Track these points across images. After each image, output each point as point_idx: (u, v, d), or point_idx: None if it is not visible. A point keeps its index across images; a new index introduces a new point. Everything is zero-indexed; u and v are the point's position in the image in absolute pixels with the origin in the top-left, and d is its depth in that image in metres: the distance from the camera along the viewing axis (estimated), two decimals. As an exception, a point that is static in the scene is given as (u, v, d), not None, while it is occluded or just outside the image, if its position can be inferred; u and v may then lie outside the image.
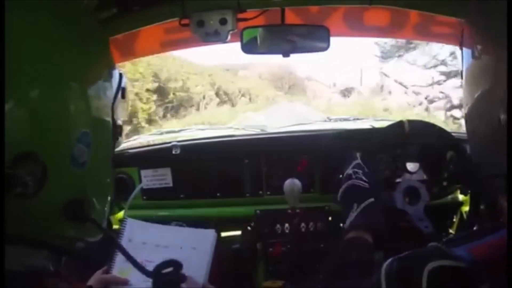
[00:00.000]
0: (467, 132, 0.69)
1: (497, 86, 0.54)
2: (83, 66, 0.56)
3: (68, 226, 0.54)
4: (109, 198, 0.65)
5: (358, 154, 1.14)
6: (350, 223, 0.97)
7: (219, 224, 1.41)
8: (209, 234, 1.09)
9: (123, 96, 0.66)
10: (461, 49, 0.68)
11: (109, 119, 0.62)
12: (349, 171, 1.08)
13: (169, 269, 0.69)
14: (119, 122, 0.67)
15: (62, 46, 0.53)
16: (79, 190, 0.55)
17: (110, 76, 0.63)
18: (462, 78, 0.69)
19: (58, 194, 0.52)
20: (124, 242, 1.06)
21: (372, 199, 0.99)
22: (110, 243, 0.63)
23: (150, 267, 0.65)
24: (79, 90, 0.54)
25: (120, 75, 0.67)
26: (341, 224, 1.38)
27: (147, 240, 1.06)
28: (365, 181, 1.04)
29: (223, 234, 1.45)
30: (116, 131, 0.65)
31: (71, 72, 0.53)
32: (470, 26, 0.66)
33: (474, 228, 1.24)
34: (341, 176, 1.11)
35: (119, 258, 0.96)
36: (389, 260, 0.62)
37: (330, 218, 1.42)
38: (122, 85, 0.66)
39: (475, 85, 0.61)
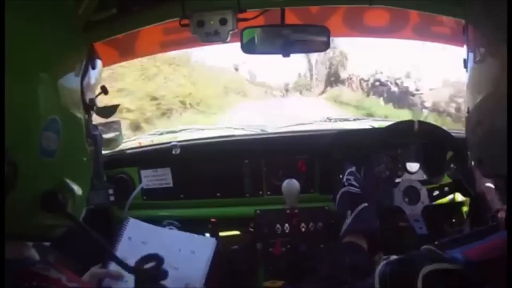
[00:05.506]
0: (466, 134, 0.68)
1: (500, 91, 0.53)
2: (51, 54, 0.53)
3: (45, 216, 0.53)
4: (88, 179, 0.61)
5: (353, 166, 1.14)
6: (345, 229, 0.98)
7: (219, 224, 1.41)
8: (209, 241, 1.11)
9: (94, 67, 0.63)
10: (467, 51, 0.67)
11: (79, 99, 0.58)
12: (343, 179, 1.10)
13: (151, 264, 0.68)
14: (92, 96, 0.63)
15: (31, 33, 0.50)
16: (52, 179, 0.53)
17: (81, 61, 0.59)
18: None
19: (31, 186, 0.50)
20: (123, 240, 1.08)
21: (365, 204, 0.99)
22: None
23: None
24: (45, 79, 0.51)
25: (91, 47, 0.63)
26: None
27: (147, 240, 1.07)
28: (357, 187, 1.06)
29: (223, 234, 1.45)
30: (88, 107, 0.62)
31: (37, 61, 0.51)
32: (473, 27, 0.64)
33: (472, 230, 1.23)
34: (341, 176, 1.12)
35: (118, 254, 0.96)
36: (382, 264, 0.62)
37: (330, 218, 1.42)
38: (92, 56, 0.63)
39: (477, 89, 0.60)
